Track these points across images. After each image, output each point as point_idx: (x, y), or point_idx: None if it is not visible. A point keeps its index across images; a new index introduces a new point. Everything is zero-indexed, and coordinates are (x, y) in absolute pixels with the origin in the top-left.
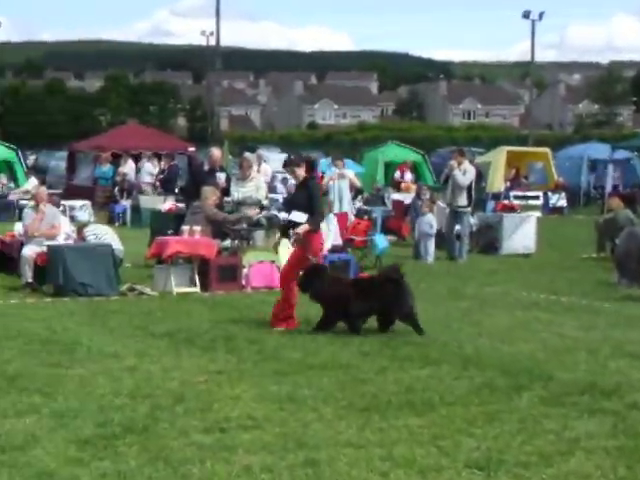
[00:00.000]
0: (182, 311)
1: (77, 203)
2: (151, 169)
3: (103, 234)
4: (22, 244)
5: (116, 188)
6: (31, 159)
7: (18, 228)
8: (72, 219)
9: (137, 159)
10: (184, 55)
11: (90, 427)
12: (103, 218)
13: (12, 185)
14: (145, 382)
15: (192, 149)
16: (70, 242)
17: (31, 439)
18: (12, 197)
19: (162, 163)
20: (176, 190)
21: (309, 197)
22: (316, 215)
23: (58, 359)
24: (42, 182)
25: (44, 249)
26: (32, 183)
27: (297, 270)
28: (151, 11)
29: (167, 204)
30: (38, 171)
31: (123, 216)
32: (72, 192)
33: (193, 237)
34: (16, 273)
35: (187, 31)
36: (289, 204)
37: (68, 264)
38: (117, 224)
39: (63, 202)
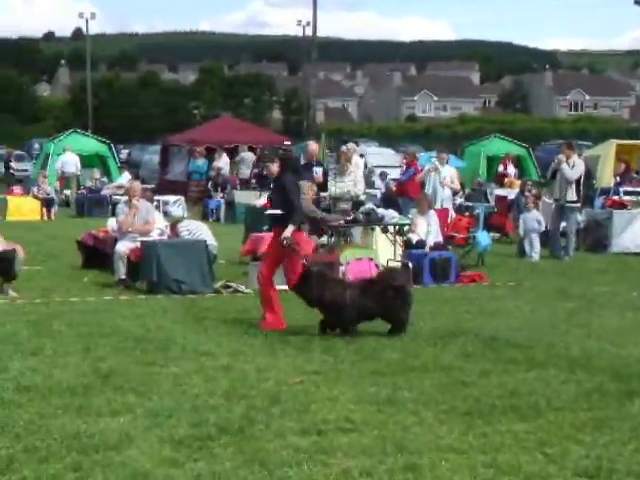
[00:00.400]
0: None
1: (171, 198)
2: (249, 162)
3: (197, 230)
4: (115, 240)
5: (210, 183)
6: (124, 153)
7: (111, 224)
8: (165, 214)
9: (231, 153)
10: (280, 46)
11: (185, 427)
12: (197, 214)
13: (105, 180)
14: (240, 382)
15: (288, 143)
16: (164, 238)
17: (125, 438)
18: (105, 192)
19: (256, 157)
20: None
21: (285, 194)
22: (295, 213)
23: (152, 357)
24: (135, 177)
25: (138, 245)
26: (125, 178)
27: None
28: (246, 1)
29: (262, 200)
30: (131, 165)
31: (217, 212)
32: (165, 187)
33: None
34: (109, 269)
35: (283, 21)
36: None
37: (162, 260)
38: (211, 220)
39: (156, 197)
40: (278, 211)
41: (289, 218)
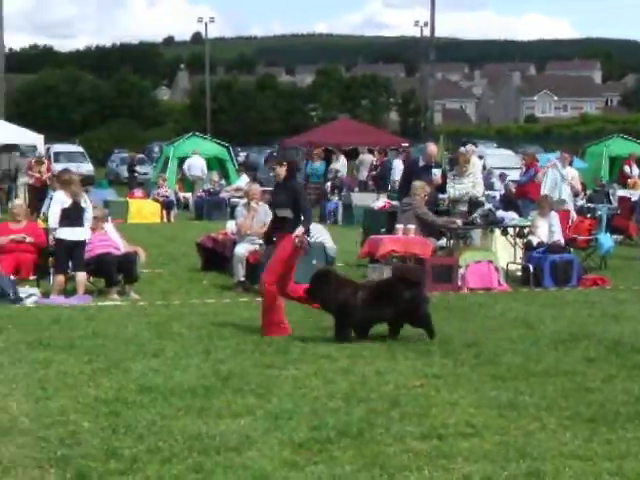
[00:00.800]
0: None
1: None
2: (367, 164)
3: (315, 232)
4: (234, 242)
5: (328, 185)
6: (242, 156)
7: (230, 226)
8: None
9: (349, 155)
10: (397, 47)
11: (304, 430)
12: (314, 216)
13: (223, 182)
14: (359, 385)
15: (405, 144)
16: None
17: (246, 440)
18: (224, 195)
19: (375, 159)
20: (389, 187)
21: (293, 199)
22: (306, 216)
23: (271, 360)
24: (253, 179)
25: (256, 247)
26: (244, 180)
27: (282, 273)
28: (364, 3)
29: (380, 201)
30: (249, 168)
31: (334, 214)
32: None
33: (407, 236)
34: (228, 272)
35: (400, 22)
36: (272, 206)
37: None
38: (328, 222)
39: None
40: (288, 212)
41: (302, 221)
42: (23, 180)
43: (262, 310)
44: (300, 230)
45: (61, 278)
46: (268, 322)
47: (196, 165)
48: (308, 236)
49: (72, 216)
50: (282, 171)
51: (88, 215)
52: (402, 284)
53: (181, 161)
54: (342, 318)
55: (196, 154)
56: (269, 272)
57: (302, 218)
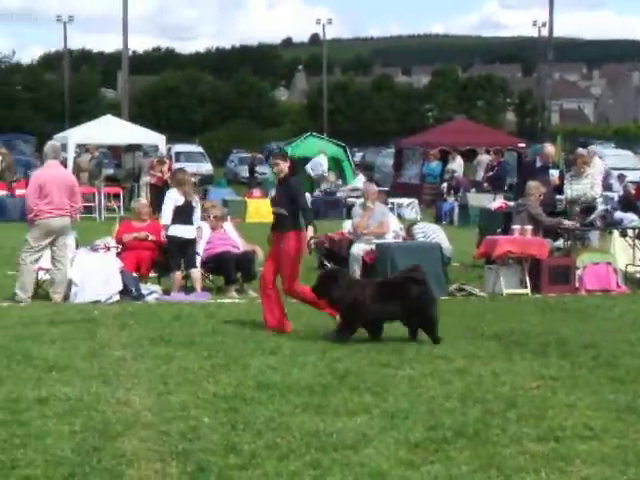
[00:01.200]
0: (512, 313)
1: (404, 201)
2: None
3: (432, 233)
4: (351, 242)
5: (444, 185)
6: (358, 156)
7: (347, 226)
8: (399, 217)
9: (465, 155)
10: (514, 47)
11: (420, 429)
12: (430, 216)
13: (340, 182)
14: (475, 385)
15: (522, 145)
16: (399, 240)
17: (362, 438)
18: (340, 194)
19: (491, 159)
20: (505, 187)
21: (291, 196)
22: (306, 214)
23: (387, 359)
24: (370, 179)
25: (373, 247)
26: (360, 180)
27: (291, 273)
28: (480, 3)
29: (497, 202)
30: (365, 168)
31: (450, 214)
32: (399, 189)
33: (524, 237)
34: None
35: (517, 23)
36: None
37: (396, 263)
38: (444, 222)
39: (391, 200)
40: (283, 210)
41: (306, 221)
42: (145, 179)
43: (265, 309)
44: (310, 232)
45: (179, 275)
46: (272, 318)
47: (321, 164)
48: (301, 231)
49: (184, 214)
50: (285, 167)
51: (197, 215)
52: (409, 281)
53: (298, 161)
54: (350, 317)
55: (323, 153)
56: (285, 279)
57: (302, 217)
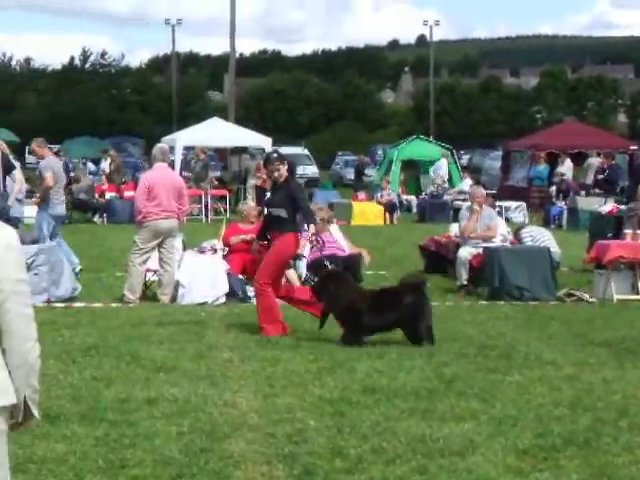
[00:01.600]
0: (623, 320)
1: (512, 204)
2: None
3: (540, 237)
4: (458, 245)
5: (552, 189)
6: (465, 159)
7: (454, 229)
8: (507, 220)
9: (575, 158)
10: (626, 47)
11: (529, 436)
12: (538, 220)
13: (447, 185)
14: (585, 393)
15: (634, 147)
16: (506, 244)
17: (469, 445)
18: (447, 197)
19: (601, 162)
20: (617, 191)
21: (291, 198)
22: (308, 216)
23: (495, 364)
24: (476, 182)
25: (480, 251)
26: (467, 183)
27: (273, 272)
28: (591, 3)
29: (607, 206)
30: (472, 171)
31: (559, 218)
32: (506, 192)
33: (636, 241)
34: (451, 275)
35: (630, 22)
36: (268, 205)
37: (504, 267)
38: (552, 226)
39: (498, 203)
40: (283, 212)
41: (307, 220)
42: (252, 182)
43: (257, 310)
44: (312, 229)
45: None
46: (265, 321)
47: (442, 167)
48: (299, 232)
49: None
50: (284, 170)
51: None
52: (405, 289)
53: (404, 164)
54: (350, 321)
55: (444, 157)
56: (263, 272)
57: (303, 218)
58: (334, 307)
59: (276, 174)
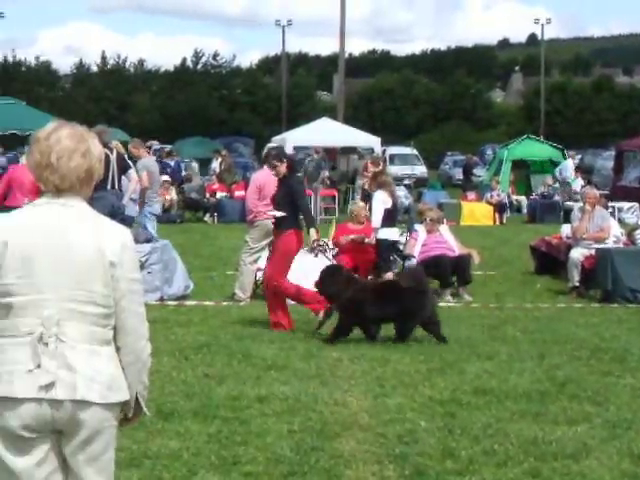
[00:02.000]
0: None
1: (625, 205)
2: None
3: None
4: (569, 247)
5: None
6: (577, 159)
7: (565, 230)
8: (619, 221)
9: None
10: None
11: None
12: None
13: (557, 186)
14: None
15: None
16: (619, 245)
17: (583, 448)
18: (557, 198)
19: None
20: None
21: (291, 196)
22: (306, 215)
23: (608, 367)
24: (588, 182)
25: (592, 252)
26: (578, 184)
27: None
28: None
29: None
30: (584, 171)
31: None
32: (619, 193)
33: None
34: (562, 276)
35: None
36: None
37: (617, 268)
38: None
39: (611, 203)
40: (281, 213)
41: (307, 223)
42: (360, 182)
43: (269, 306)
44: (313, 234)
45: (389, 276)
46: (277, 318)
47: (569, 167)
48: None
49: (392, 217)
50: (283, 168)
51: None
52: (406, 284)
53: (514, 164)
54: (346, 316)
55: (570, 157)
56: (274, 273)
57: (304, 220)
58: (335, 301)
59: (274, 171)
